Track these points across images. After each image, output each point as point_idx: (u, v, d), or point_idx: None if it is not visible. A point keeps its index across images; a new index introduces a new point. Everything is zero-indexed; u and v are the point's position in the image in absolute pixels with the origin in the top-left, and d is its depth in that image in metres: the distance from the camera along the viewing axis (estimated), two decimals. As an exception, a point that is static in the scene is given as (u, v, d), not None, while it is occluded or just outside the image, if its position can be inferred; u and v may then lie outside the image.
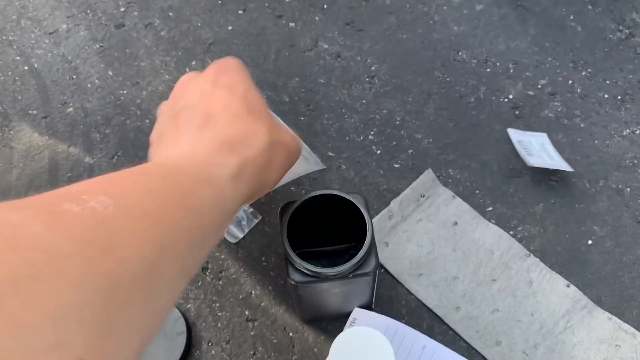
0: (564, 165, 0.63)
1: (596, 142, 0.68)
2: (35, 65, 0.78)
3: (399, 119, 0.71)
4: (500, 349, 0.55)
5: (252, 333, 0.58)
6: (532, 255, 0.60)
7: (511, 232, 0.62)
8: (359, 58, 0.76)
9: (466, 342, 0.56)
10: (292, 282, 0.47)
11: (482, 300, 0.58)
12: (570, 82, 0.73)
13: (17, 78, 0.76)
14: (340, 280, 0.47)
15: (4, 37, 0.80)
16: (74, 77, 0.76)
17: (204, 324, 0.59)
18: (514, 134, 0.66)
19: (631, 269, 0.61)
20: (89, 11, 0.82)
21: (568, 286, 0.58)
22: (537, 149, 0.64)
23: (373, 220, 0.62)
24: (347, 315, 0.56)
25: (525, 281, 0.59)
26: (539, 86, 0.72)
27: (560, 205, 0.64)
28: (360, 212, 0.48)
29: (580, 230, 0.63)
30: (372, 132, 0.70)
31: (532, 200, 0.65)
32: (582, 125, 0.69)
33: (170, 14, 0.81)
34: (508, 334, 0.56)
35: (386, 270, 0.60)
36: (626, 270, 0.61)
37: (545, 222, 0.63)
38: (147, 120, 0.72)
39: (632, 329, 0.56)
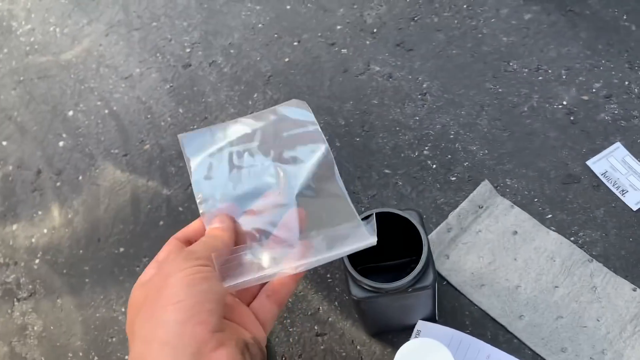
0: None
1: (657, 142, 0.67)
2: (114, 108, 0.86)
3: (452, 132, 0.73)
4: (566, 355, 0.56)
5: (322, 347, 0.62)
6: (594, 260, 0.60)
7: (572, 239, 0.62)
8: (410, 77, 0.78)
9: (531, 350, 0.57)
10: (354, 298, 0.50)
11: (545, 308, 0.58)
12: (626, 83, 0.72)
13: (99, 121, 0.85)
14: (400, 295, 0.49)
15: (86, 85, 0.89)
16: (149, 116, 0.83)
17: (277, 339, 0.63)
18: (596, 165, 0.65)
19: (703, 269, 0.59)
20: (158, 54, 0.90)
21: (634, 290, 0.58)
22: (625, 173, 0.64)
23: (432, 234, 0.64)
24: (412, 327, 0.58)
25: (588, 287, 0.59)
26: (594, 90, 0.72)
27: (622, 209, 0.64)
28: (416, 227, 0.51)
29: (645, 232, 0.62)
30: (426, 148, 0.72)
31: (592, 205, 0.64)
32: (641, 125, 0.69)
33: (232, 51, 0.87)
34: (574, 340, 0.56)
35: (448, 283, 0.62)
36: (697, 271, 0.59)
37: (607, 226, 0.63)
38: (215, 152, 0.78)
39: None
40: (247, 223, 0.49)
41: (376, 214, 0.53)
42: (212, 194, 0.51)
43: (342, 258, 0.50)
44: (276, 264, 0.44)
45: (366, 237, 0.46)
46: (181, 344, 0.36)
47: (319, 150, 0.53)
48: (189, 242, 0.48)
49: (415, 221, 0.51)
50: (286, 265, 0.44)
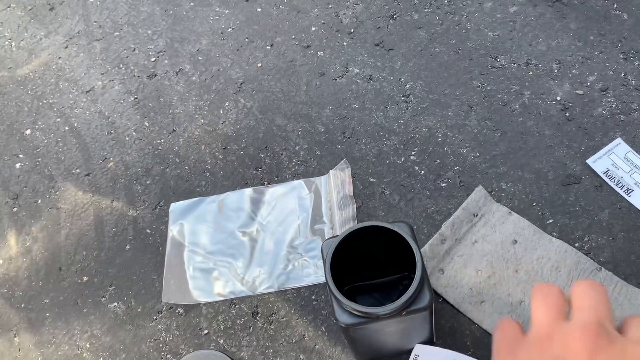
0: None
1: (660, 136, 0.63)
2: (75, 125, 0.79)
3: (440, 135, 0.67)
4: (580, 375, 0.50)
5: (309, 378, 0.56)
6: (603, 268, 0.55)
7: (577, 245, 0.57)
8: (391, 78, 0.73)
9: (541, 371, 0.52)
10: (342, 325, 0.44)
11: (553, 323, 0.53)
12: (622, 74, 0.67)
13: (59, 139, 0.78)
14: (393, 319, 0.43)
15: (44, 101, 0.83)
16: (112, 131, 0.77)
17: (259, 372, 0.57)
18: (597, 164, 0.61)
19: None
20: (121, 65, 0.83)
21: (649, 299, 0.53)
22: (628, 171, 0.59)
23: (425, 247, 0.59)
24: (409, 352, 0.52)
25: (599, 298, 0.53)
26: (588, 83, 0.67)
27: (629, 210, 0.59)
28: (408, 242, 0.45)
29: (654, 234, 0.57)
30: (413, 153, 0.67)
31: (595, 206, 0.59)
32: (642, 119, 0.64)
33: (200, 58, 0.81)
34: (587, 359, 0.51)
35: (444, 300, 0.57)
36: None
37: (614, 229, 0.58)
38: (186, 167, 0.72)
39: None
40: None
41: (363, 227, 0.47)
42: None
43: (326, 281, 0.44)
44: None
45: None
46: None
47: None
48: None
49: (406, 235, 0.45)
50: None
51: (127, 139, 0.76)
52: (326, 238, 0.60)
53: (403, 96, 0.71)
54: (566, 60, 0.70)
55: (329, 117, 0.72)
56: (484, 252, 0.58)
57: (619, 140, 0.62)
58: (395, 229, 0.46)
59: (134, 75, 0.82)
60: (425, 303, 0.43)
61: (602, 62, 0.69)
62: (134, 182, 0.72)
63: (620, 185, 0.59)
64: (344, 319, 0.44)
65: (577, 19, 0.73)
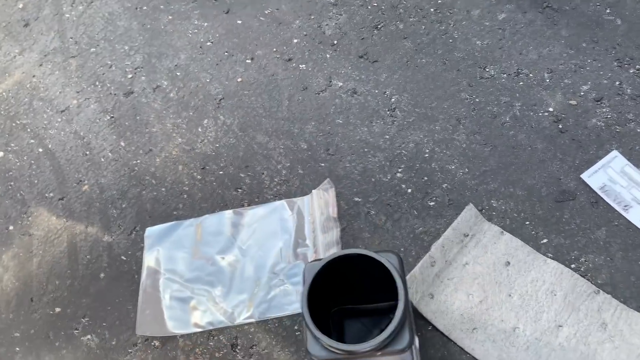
0: None
1: (658, 147, 0.59)
2: (50, 146, 0.76)
3: (427, 151, 0.64)
4: (579, 409, 0.47)
5: (292, 415, 0.52)
6: (601, 291, 0.52)
7: (573, 266, 0.54)
8: (376, 91, 0.70)
9: (537, 405, 0.48)
10: (312, 359, 0.41)
11: (549, 353, 0.50)
12: (617, 83, 0.64)
13: (32, 162, 0.75)
14: (369, 358, 0.40)
15: (18, 122, 0.79)
16: (87, 152, 0.74)
17: (239, 409, 0.54)
18: (593, 179, 0.58)
19: None
20: (97, 83, 0.80)
21: (651, 324, 0.49)
22: (626, 185, 0.56)
23: (414, 270, 0.56)
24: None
25: (597, 324, 0.50)
26: (582, 93, 0.64)
27: (627, 227, 0.55)
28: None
29: (655, 253, 0.54)
30: (399, 170, 0.64)
31: (592, 224, 0.56)
32: (638, 130, 0.61)
33: (178, 74, 0.78)
34: (586, 391, 0.48)
35: (434, 327, 0.53)
36: None
37: (611, 248, 0.55)
38: (162, 189, 0.68)
39: None
40: None
41: (347, 254, 0.44)
42: None
43: (301, 308, 0.41)
44: None
45: None
46: None
47: None
48: None
49: (392, 269, 0.42)
50: None
51: (102, 160, 0.73)
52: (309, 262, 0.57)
53: (388, 110, 0.68)
54: (558, 69, 0.67)
55: (311, 134, 0.68)
56: (476, 274, 0.55)
57: (615, 153, 0.59)
58: (382, 260, 0.43)
59: (110, 93, 0.79)
60: (403, 345, 0.40)
61: (595, 71, 0.66)
62: (109, 205, 0.69)
63: (617, 201, 0.56)
64: (316, 351, 0.41)
65: (569, 26, 0.70)
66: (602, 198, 0.57)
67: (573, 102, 0.64)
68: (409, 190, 0.62)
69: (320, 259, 0.45)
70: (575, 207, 0.57)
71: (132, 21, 0.86)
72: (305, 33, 0.77)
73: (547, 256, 0.55)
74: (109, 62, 0.82)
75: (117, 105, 0.77)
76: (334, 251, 0.56)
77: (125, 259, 0.64)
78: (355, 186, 0.63)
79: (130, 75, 0.80)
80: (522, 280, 0.54)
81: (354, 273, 0.47)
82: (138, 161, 0.72)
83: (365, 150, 0.66)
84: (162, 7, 0.86)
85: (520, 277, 0.54)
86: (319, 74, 0.73)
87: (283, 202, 0.64)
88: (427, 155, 0.64)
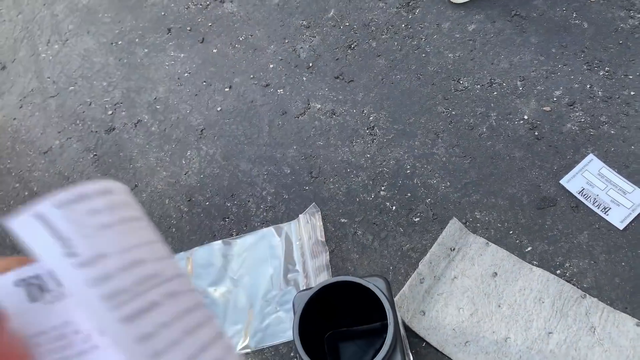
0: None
1: (632, 147, 0.61)
2: (35, 189, 0.76)
3: (408, 167, 0.65)
4: (574, 415, 0.48)
5: None
6: (587, 295, 0.53)
7: (558, 272, 0.55)
8: (354, 111, 0.71)
9: (534, 414, 0.49)
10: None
11: (541, 360, 0.51)
12: (588, 86, 0.66)
13: (19, 207, 0.75)
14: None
15: (1, 166, 0.80)
16: (73, 193, 0.74)
17: None
18: (571, 184, 0.59)
19: None
20: (78, 121, 0.81)
21: (638, 325, 0.50)
22: (604, 188, 0.57)
23: (404, 288, 0.56)
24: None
25: (586, 328, 0.51)
26: (554, 99, 0.66)
27: (608, 229, 0.57)
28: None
29: (637, 253, 0.55)
30: (382, 188, 0.64)
31: (574, 229, 0.57)
32: (612, 131, 0.62)
33: (158, 107, 0.79)
34: (580, 396, 0.49)
35: (428, 343, 0.54)
36: (702, 289, 0.52)
37: (595, 251, 0.56)
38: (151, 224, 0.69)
39: None
40: None
41: (336, 282, 0.45)
42: None
43: (293, 336, 0.42)
44: None
45: None
46: None
47: None
48: None
49: (380, 293, 0.43)
50: None
51: (88, 199, 0.73)
52: (300, 287, 0.58)
53: (368, 129, 0.69)
54: (530, 76, 0.68)
55: (294, 158, 0.69)
56: (465, 288, 0.56)
57: (591, 156, 0.60)
58: (370, 285, 0.44)
59: (92, 131, 0.79)
60: (398, 368, 0.41)
61: (566, 75, 0.67)
62: (99, 244, 0.69)
63: (596, 204, 0.57)
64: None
65: (537, 32, 0.71)
66: (582, 202, 0.58)
67: (547, 109, 0.65)
68: (394, 208, 0.63)
69: (309, 288, 0.46)
70: (557, 213, 0.59)
71: (109, 57, 0.86)
72: (280, 57, 0.78)
73: (533, 264, 0.56)
74: (88, 100, 0.83)
75: (100, 142, 0.78)
76: (324, 276, 0.57)
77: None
78: (341, 207, 0.64)
79: (110, 112, 0.80)
80: (510, 290, 0.54)
81: (344, 298, 0.47)
82: (124, 198, 0.72)
83: (348, 170, 0.67)
84: (137, 40, 0.86)
85: (508, 287, 0.55)
86: (297, 98, 0.74)
87: (271, 229, 0.64)
88: (408, 171, 0.65)
